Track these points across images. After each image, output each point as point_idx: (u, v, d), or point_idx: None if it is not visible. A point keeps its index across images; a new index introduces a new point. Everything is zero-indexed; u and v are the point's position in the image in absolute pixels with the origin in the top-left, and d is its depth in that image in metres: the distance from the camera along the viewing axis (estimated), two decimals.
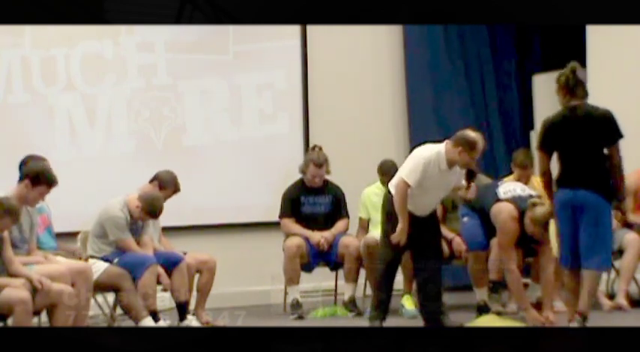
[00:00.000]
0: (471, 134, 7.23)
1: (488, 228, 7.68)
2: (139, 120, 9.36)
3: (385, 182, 8.62)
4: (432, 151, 7.22)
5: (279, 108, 9.79)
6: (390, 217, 7.32)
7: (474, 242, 7.90)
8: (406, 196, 7.17)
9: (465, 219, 7.91)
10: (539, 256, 7.62)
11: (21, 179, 7.39)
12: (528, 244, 7.62)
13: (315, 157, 8.63)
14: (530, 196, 7.54)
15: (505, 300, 8.15)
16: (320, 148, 8.77)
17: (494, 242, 7.77)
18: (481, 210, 7.73)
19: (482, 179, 8.57)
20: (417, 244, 7.35)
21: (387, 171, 8.60)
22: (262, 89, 9.74)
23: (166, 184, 8.07)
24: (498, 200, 7.58)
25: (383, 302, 7.42)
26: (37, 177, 6.88)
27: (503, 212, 7.47)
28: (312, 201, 8.71)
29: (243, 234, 9.58)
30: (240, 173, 9.59)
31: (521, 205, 7.46)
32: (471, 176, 7.39)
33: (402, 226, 7.19)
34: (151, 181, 8.10)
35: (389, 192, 7.36)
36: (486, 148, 7.45)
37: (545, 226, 7.40)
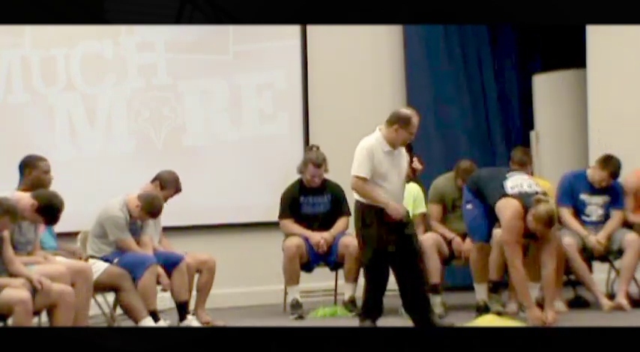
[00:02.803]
0: (404, 110, 7.36)
1: (491, 219, 7.65)
2: (139, 120, 9.36)
3: None
4: (369, 140, 7.28)
5: (279, 108, 9.79)
6: (364, 223, 7.28)
7: (477, 233, 7.87)
8: (368, 185, 7.16)
9: (469, 206, 7.85)
10: (540, 253, 7.60)
11: (21, 179, 7.41)
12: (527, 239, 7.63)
13: (313, 157, 8.61)
14: (536, 193, 7.53)
15: (505, 300, 8.15)
16: (317, 148, 8.75)
17: (495, 240, 7.75)
18: (485, 199, 7.69)
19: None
20: (394, 246, 7.30)
21: None
22: (262, 89, 9.74)
23: (168, 184, 8.07)
24: (505, 194, 7.56)
25: (374, 307, 7.38)
26: (44, 209, 6.85)
27: (508, 209, 7.47)
28: (312, 202, 8.70)
29: (243, 234, 9.58)
30: (240, 173, 9.59)
31: (526, 202, 7.45)
32: (410, 150, 7.41)
33: (389, 205, 7.15)
34: (153, 181, 8.10)
35: (356, 201, 7.32)
36: (420, 124, 7.45)
37: (547, 223, 7.39)
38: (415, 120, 7.28)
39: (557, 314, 7.67)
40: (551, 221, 7.41)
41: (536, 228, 7.42)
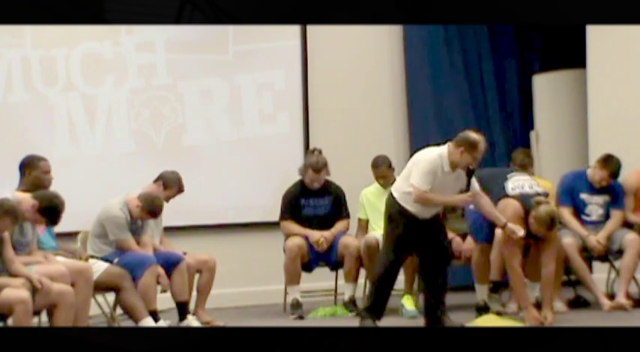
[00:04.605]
0: (473, 135, 7.27)
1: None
2: (139, 120, 9.36)
3: (377, 176, 8.65)
4: (434, 153, 7.26)
5: (279, 108, 9.79)
6: (391, 219, 7.33)
7: (479, 234, 7.87)
8: (431, 194, 7.18)
9: (472, 206, 7.86)
10: (541, 253, 7.61)
11: (21, 179, 7.41)
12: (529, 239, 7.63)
13: (313, 162, 8.58)
14: (537, 194, 7.53)
15: (505, 300, 8.15)
16: (320, 151, 8.72)
17: (496, 241, 7.76)
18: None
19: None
20: (423, 246, 7.36)
21: (377, 164, 8.64)
22: (262, 89, 9.74)
23: (171, 184, 8.08)
24: (506, 195, 7.56)
25: (378, 304, 7.41)
26: (45, 210, 6.85)
27: (508, 210, 7.47)
28: (313, 203, 8.69)
29: (243, 234, 9.58)
30: (240, 173, 9.58)
31: (527, 203, 7.45)
32: (470, 175, 7.40)
33: (456, 200, 7.36)
34: (156, 181, 8.11)
35: (391, 195, 7.36)
36: (487, 149, 7.48)
37: (549, 225, 7.39)
38: (482, 146, 7.26)
39: (557, 314, 7.68)
40: (552, 222, 7.41)
41: (538, 230, 7.43)
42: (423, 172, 7.18)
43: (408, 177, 7.26)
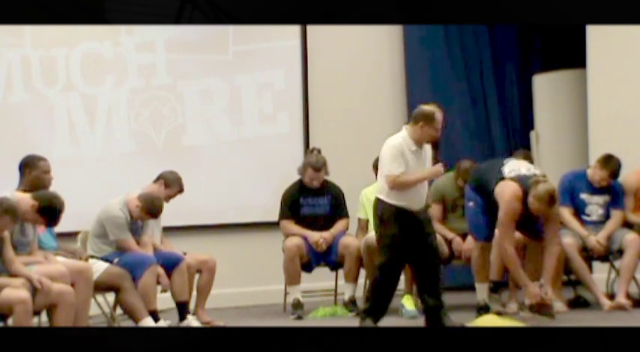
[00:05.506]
0: (426, 107, 7.36)
1: (491, 215, 7.64)
2: (139, 120, 9.36)
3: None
4: (396, 139, 7.31)
5: (279, 108, 9.79)
6: (382, 222, 7.33)
7: (478, 231, 7.87)
8: (404, 176, 7.19)
9: (471, 203, 7.83)
10: (544, 233, 7.57)
11: (21, 179, 7.41)
12: (530, 227, 7.63)
13: (313, 161, 8.60)
14: (535, 175, 7.52)
15: (505, 300, 8.15)
16: (319, 151, 8.73)
17: (495, 240, 7.76)
18: (486, 192, 7.67)
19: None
20: (416, 247, 7.34)
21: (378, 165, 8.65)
22: (262, 89, 9.74)
23: (171, 184, 8.09)
24: (503, 178, 7.56)
25: (379, 307, 7.40)
26: (45, 210, 6.85)
27: (507, 191, 7.46)
28: (312, 202, 8.70)
29: (243, 234, 9.58)
30: (240, 173, 9.59)
31: (525, 184, 7.45)
32: (437, 148, 7.45)
33: (426, 175, 7.31)
34: (156, 181, 8.12)
35: (377, 199, 7.36)
36: (446, 119, 7.49)
37: (549, 202, 7.38)
38: (439, 115, 7.31)
39: (557, 314, 7.68)
40: (552, 199, 7.38)
41: (539, 208, 7.39)
42: (392, 157, 7.22)
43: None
